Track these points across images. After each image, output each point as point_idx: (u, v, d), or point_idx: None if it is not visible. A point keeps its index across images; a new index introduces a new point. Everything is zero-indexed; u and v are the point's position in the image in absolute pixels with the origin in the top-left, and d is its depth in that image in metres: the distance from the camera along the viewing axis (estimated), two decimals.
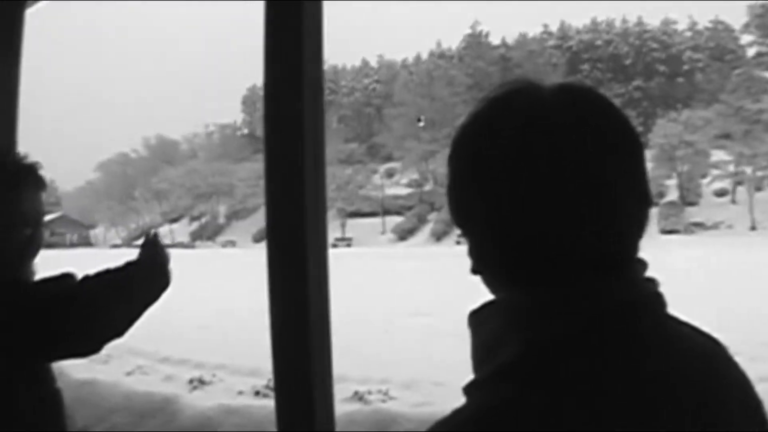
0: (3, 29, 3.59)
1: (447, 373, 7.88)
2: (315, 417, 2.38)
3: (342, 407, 8.26)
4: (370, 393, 9.38)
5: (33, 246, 2.24)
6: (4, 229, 2.15)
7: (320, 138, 2.45)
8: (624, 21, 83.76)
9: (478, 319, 0.99)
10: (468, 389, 0.93)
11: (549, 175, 0.89)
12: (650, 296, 0.95)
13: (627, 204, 0.92)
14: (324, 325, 2.44)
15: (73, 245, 72.70)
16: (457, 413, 0.88)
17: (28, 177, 2.24)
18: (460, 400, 0.92)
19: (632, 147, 0.95)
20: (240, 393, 9.60)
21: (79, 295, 2.14)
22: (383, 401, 9.13)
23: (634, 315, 0.90)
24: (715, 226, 49.79)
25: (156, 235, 2.48)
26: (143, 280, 2.29)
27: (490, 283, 1.02)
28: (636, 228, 0.95)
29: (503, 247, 0.94)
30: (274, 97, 2.47)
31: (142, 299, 2.26)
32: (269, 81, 2.46)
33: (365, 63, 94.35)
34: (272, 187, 2.46)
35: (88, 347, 2.13)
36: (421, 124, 69.02)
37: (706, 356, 0.97)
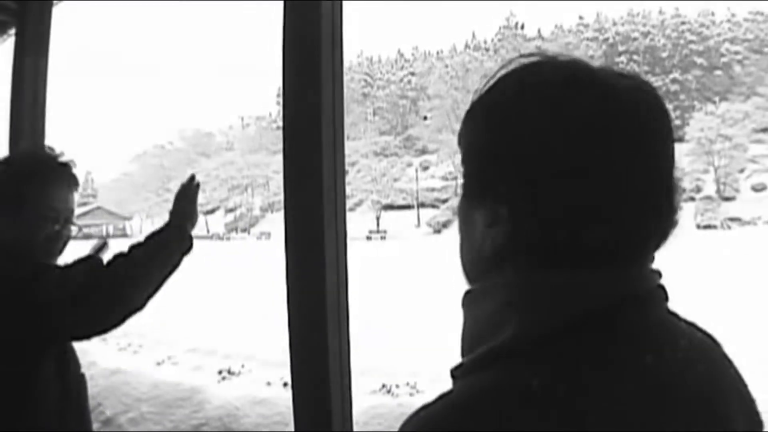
0: (33, 25, 3.66)
1: None
2: (332, 416, 2.38)
3: (368, 400, 8.29)
4: (397, 386, 9.38)
5: (59, 242, 2.26)
6: (33, 223, 2.18)
7: (339, 135, 2.44)
8: (661, 12, 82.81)
9: (472, 298, 0.94)
10: (456, 372, 0.89)
11: (575, 155, 0.84)
12: (656, 289, 0.91)
13: (656, 193, 0.87)
14: (342, 326, 2.43)
15: (109, 236, 73.60)
16: (445, 397, 0.82)
17: (62, 175, 2.27)
18: None
19: (667, 134, 0.91)
20: (268, 384, 9.65)
21: (98, 274, 2.16)
22: (411, 394, 9.12)
23: (641, 307, 0.87)
24: (753, 222, 49.03)
25: (197, 186, 2.50)
26: (165, 253, 2.30)
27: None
28: (661, 221, 0.90)
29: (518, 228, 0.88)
30: (293, 96, 2.46)
31: (161, 272, 2.26)
32: (288, 77, 2.46)
33: (400, 54, 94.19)
34: (291, 183, 2.46)
35: (109, 323, 2.13)
36: (428, 121, 69.15)
37: (705, 352, 0.94)
